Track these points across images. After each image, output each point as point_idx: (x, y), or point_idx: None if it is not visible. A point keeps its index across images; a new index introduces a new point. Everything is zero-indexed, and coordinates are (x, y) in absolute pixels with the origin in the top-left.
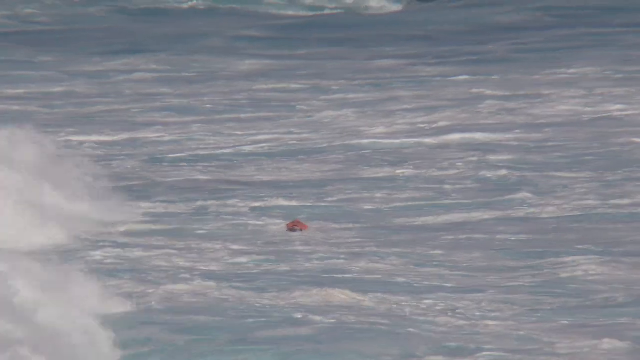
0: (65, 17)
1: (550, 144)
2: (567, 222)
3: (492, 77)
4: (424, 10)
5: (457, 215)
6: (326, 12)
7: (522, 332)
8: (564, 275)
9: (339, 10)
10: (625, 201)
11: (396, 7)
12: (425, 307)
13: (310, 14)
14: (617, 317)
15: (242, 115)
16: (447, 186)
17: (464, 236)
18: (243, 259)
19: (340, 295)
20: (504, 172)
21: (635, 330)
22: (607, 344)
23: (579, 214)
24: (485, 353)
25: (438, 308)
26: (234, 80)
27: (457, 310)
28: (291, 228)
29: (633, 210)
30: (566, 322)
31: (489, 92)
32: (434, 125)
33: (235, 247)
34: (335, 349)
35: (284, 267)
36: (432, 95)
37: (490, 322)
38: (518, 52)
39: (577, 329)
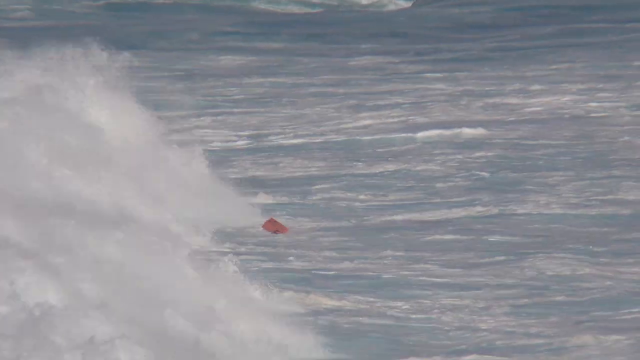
0: (49, 13)
1: (533, 141)
2: (552, 220)
3: (475, 75)
4: (406, 10)
5: (443, 213)
6: (319, 9)
7: (521, 330)
8: (550, 273)
9: (342, 7)
10: (609, 198)
11: (405, 4)
12: (417, 306)
13: (299, 10)
14: (614, 314)
15: (226, 111)
16: (431, 183)
17: (451, 235)
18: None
19: (328, 297)
20: (487, 169)
21: (633, 325)
22: (608, 340)
23: (563, 212)
24: (485, 352)
25: (430, 307)
26: (219, 77)
27: (451, 309)
28: (274, 232)
29: (617, 208)
30: (563, 319)
31: (471, 89)
32: (417, 121)
33: (219, 244)
34: (327, 352)
35: (268, 265)
36: (414, 92)
37: (487, 320)
38: (501, 50)
39: (575, 326)
